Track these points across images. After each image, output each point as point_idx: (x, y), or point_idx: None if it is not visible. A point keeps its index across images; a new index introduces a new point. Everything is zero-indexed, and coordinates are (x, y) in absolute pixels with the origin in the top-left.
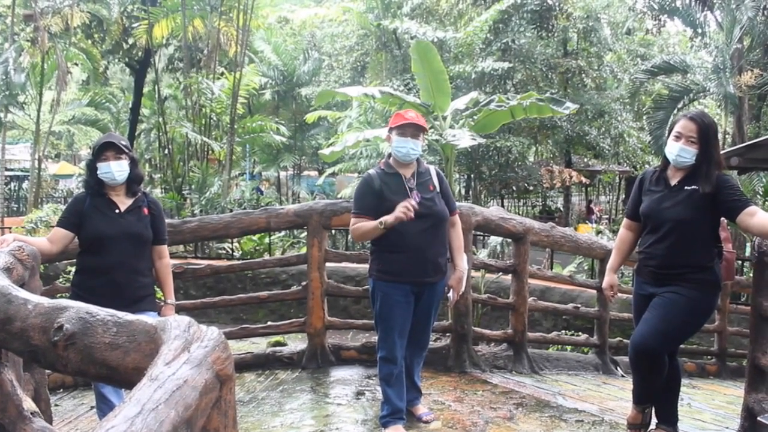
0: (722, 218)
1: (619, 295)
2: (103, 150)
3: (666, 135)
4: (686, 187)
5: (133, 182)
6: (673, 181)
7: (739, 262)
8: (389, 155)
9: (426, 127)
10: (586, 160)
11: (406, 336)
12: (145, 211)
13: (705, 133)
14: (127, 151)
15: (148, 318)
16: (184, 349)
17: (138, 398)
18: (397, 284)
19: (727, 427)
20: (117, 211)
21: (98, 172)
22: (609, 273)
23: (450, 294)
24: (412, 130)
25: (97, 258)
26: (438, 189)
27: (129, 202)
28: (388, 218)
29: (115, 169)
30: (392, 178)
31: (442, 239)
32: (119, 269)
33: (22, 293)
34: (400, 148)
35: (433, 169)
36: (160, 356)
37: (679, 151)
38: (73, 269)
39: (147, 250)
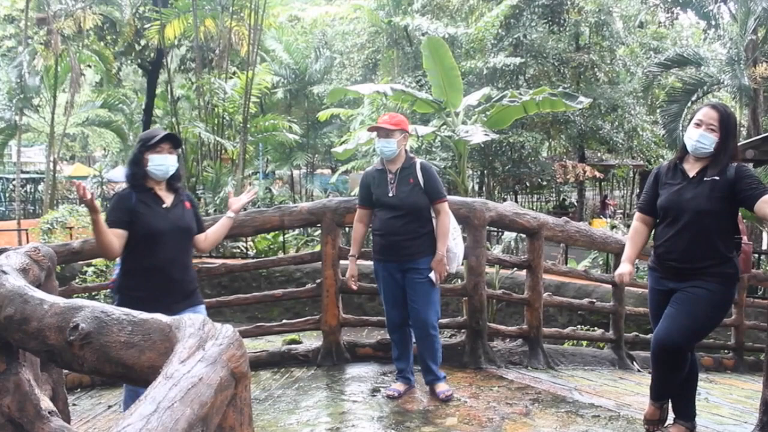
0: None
1: (635, 289)
2: (161, 142)
3: (686, 125)
4: (705, 178)
5: (175, 179)
6: (692, 173)
7: (755, 255)
8: None
9: (387, 127)
10: (599, 154)
11: (399, 307)
12: (188, 205)
13: (726, 122)
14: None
15: (162, 316)
16: (199, 347)
17: (153, 396)
18: (380, 262)
19: (745, 422)
20: (164, 205)
21: (150, 164)
22: (624, 264)
23: (432, 275)
24: (381, 132)
25: (150, 256)
26: (421, 181)
27: (172, 197)
28: (352, 260)
29: (170, 163)
30: (380, 174)
31: (414, 226)
32: (173, 265)
33: (38, 293)
34: (377, 147)
35: (419, 163)
36: (175, 354)
37: (699, 137)
38: (90, 269)
39: (192, 244)
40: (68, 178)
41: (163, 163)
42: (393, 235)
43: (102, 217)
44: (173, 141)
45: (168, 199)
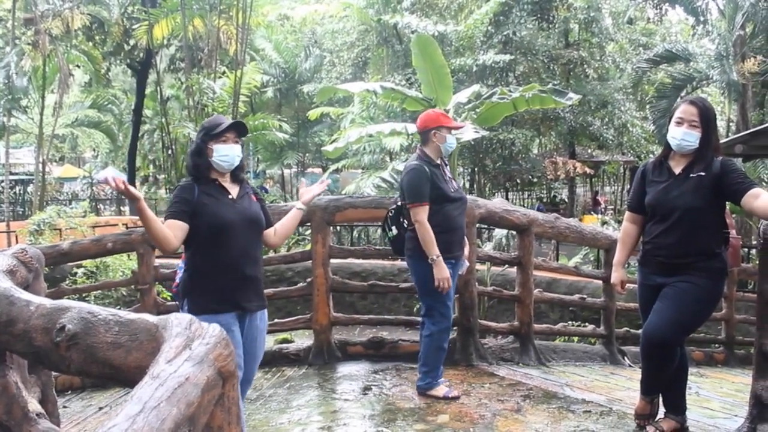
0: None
1: (628, 284)
2: (227, 131)
3: (667, 122)
4: (691, 175)
5: (239, 169)
6: (677, 170)
7: (746, 249)
8: (422, 149)
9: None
10: (589, 151)
11: None
12: (254, 198)
13: (706, 116)
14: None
15: (150, 316)
16: (186, 347)
17: (140, 396)
18: (450, 260)
19: (735, 415)
20: (230, 197)
21: (215, 155)
22: (617, 268)
23: (465, 264)
24: (455, 129)
25: (221, 250)
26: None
27: (237, 189)
28: (440, 262)
29: (235, 153)
30: (438, 169)
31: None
32: (245, 259)
33: (25, 295)
34: (452, 144)
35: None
36: (162, 354)
37: (683, 135)
38: (80, 271)
39: (261, 238)
40: (58, 179)
41: (228, 154)
42: (462, 230)
43: (145, 203)
44: (238, 129)
45: (233, 190)
